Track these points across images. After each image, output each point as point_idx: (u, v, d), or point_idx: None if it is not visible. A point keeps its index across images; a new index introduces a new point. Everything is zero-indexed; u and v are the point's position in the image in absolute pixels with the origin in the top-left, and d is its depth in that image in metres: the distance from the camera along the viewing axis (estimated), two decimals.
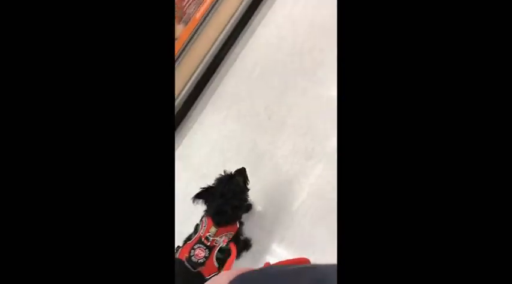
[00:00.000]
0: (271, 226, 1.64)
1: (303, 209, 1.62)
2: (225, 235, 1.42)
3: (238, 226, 1.48)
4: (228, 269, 1.30)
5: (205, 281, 1.32)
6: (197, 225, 1.51)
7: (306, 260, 0.75)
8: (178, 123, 2.15)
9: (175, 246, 1.50)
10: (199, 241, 1.41)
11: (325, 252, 1.42)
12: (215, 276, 0.68)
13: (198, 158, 2.00)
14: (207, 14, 1.95)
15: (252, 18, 2.25)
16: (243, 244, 1.56)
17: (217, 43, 2.11)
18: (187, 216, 1.62)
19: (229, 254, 1.49)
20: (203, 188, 1.44)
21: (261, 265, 0.82)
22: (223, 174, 1.47)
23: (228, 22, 2.13)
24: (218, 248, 1.41)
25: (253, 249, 1.61)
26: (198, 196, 1.43)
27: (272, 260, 0.75)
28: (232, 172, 1.49)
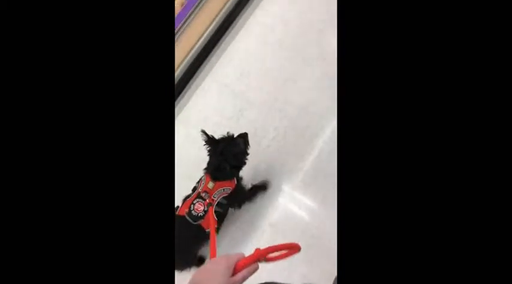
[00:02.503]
0: (260, 208, 1.68)
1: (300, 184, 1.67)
2: (223, 190, 1.49)
3: (236, 182, 1.54)
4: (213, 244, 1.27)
5: (206, 234, 1.38)
6: (195, 187, 1.58)
7: (297, 246, 0.75)
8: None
9: (175, 206, 1.56)
10: (198, 196, 1.48)
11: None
12: (214, 260, 0.68)
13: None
14: None
15: None
16: (252, 191, 1.65)
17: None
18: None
19: (226, 210, 1.56)
20: (208, 135, 1.50)
21: (249, 247, 0.79)
22: (226, 135, 1.53)
23: None
24: (216, 202, 1.48)
25: (243, 229, 1.67)
26: (205, 134, 1.50)
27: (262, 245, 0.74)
28: (235, 135, 1.55)
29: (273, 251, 0.72)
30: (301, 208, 1.64)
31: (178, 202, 1.55)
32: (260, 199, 1.69)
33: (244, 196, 1.61)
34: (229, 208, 1.58)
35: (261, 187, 1.68)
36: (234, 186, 1.53)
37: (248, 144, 1.59)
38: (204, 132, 1.50)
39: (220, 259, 0.66)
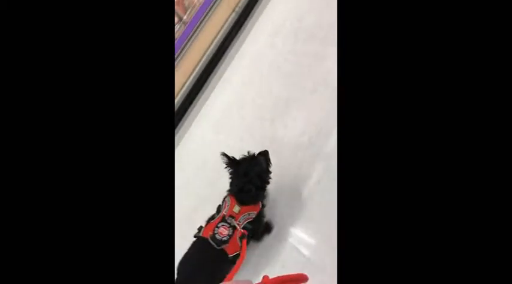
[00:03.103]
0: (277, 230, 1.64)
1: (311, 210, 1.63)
2: (248, 214, 1.46)
3: (260, 206, 1.52)
4: (237, 268, 1.21)
5: (229, 259, 1.36)
6: (219, 206, 1.56)
7: (304, 277, 0.76)
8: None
9: (198, 226, 1.54)
10: (223, 220, 1.45)
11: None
12: None
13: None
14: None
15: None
16: (264, 227, 1.59)
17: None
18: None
19: (251, 236, 1.53)
20: (228, 156, 1.48)
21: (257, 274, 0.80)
22: (247, 154, 1.52)
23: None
24: (242, 227, 1.45)
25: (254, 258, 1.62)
26: (226, 156, 1.48)
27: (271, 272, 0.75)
28: (255, 153, 1.54)
29: (280, 282, 0.74)
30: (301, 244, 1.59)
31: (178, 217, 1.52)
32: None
33: (258, 231, 1.58)
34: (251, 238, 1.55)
35: (266, 230, 1.64)
36: (258, 210, 1.51)
37: (270, 162, 1.57)
38: (224, 154, 1.49)
39: None
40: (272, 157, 1.59)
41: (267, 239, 1.63)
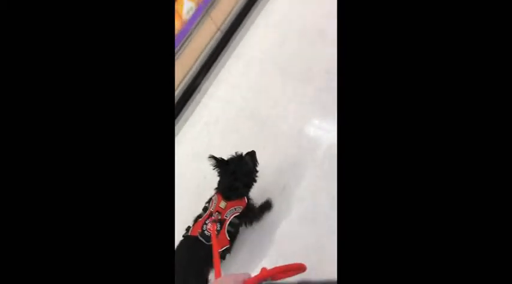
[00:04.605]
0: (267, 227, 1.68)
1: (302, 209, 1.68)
2: (235, 209, 1.51)
3: (246, 201, 1.57)
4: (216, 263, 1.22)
5: (218, 254, 1.39)
6: (205, 207, 1.60)
7: (303, 266, 0.76)
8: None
9: (186, 226, 1.57)
10: (210, 216, 1.49)
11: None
12: (221, 280, 0.70)
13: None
14: None
15: None
16: (260, 209, 1.66)
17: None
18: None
19: (238, 229, 1.57)
20: (217, 158, 1.53)
21: (254, 267, 0.78)
22: (234, 154, 1.58)
23: None
24: (229, 222, 1.49)
25: (246, 250, 1.67)
26: (214, 158, 1.53)
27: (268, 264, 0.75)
28: (243, 153, 1.59)
29: (278, 272, 0.75)
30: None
31: (177, 222, 1.55)
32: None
33: (254, 215, 1.63)
34: (240, 227, 1.60)
35: (266, 206, 1.70)
36: (245, 205, 1.56)
37: (257, 161, 1.63)
38: (212, 156, 1.54)
39: (227, 278, 0.67)
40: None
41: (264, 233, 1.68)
